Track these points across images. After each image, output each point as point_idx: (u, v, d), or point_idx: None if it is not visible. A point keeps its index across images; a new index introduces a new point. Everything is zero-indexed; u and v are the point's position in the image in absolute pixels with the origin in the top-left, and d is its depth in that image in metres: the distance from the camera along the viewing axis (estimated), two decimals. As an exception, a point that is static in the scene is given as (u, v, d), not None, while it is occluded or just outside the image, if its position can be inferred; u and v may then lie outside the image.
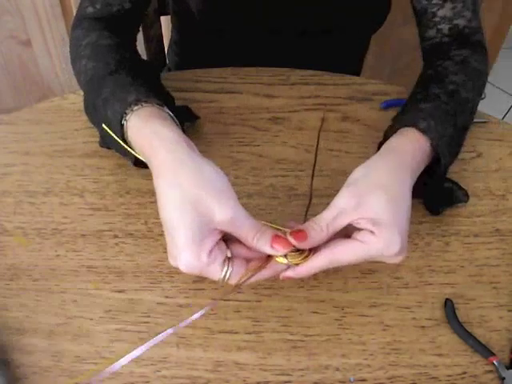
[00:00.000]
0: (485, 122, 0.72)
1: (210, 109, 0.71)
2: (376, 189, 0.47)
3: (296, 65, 0.77)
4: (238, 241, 0.47)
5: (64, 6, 1.39)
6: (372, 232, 0.46)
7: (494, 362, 0.50)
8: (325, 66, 0.77)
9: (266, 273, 0.47)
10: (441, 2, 0.66)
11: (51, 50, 1.49)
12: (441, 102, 0.57)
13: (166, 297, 0.54)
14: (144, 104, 0.53)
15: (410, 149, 0.52)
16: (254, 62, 0.76)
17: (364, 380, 0.49)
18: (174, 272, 0.55)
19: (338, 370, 0.50)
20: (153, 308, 0.53)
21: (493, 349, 0.51)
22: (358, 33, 0.84)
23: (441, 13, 0.67)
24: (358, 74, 0.96)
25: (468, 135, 0.62)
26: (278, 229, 0.48)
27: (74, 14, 0.68)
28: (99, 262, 0.56)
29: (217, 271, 0.45)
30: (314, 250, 0.47)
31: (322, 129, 0.69)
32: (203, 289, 0.54)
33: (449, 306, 0.53)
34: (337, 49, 0.84)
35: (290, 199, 0.62)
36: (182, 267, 0.44)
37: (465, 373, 0.50)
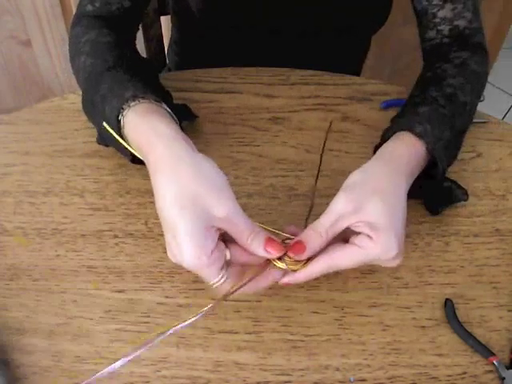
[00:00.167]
0: (485, 122, 0.72)
1: (209, 109, 0.71)
2: (373, 194, 0.47)
3: (296, 65, 0.77)
4: (236, 243, 0.47)
5: (64, 5, 1.39)
6: (369, 237, 0.46)
7: (494, 362, 0.50)
8: (325, 66, 0.77)
9: (261, 284, 0.47)
10: (441, 3, 0.66)
11: (51, 50, 1.49)
12: (438, 106, 0.57)
13: (166, 297, 0.54)
14: (141, 100, 0.52)
15: (405, 153, 0.52)
16: (254, 61, 0.76)
17: (364, 380, 0.49)
18: (174, 272, 0.55)
19: (338, 369, 0.50)
20: (153, 308, 0.53)
21: (493, 349, 0.51)
22: (358, 33, 0.84)
23: (441, 14, 0.67)
24: (358, 74, 0.96)
25: (468, 136, 0.62)
26: (275, 233, 0.48)
27: (74, 13, 0.68)
28: (99, 262, 0.56)
29: (214, 274, 0.45)
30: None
31: (321, 129, 0.69)
32: (203, 289, 0.54)
33: (449, 306, 0.53)
34: (337, 49, 0.84)
35: (290, 199, 0.62)
36: (185, 263, 0.44)
37: (465, 373, 0.50)
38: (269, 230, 0.48)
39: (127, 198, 0.61)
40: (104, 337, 0.51)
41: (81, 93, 0.60)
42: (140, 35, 0.93)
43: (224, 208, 0.44)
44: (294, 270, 0.47)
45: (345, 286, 0.55)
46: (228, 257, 0.46)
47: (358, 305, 0.54)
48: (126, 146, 0.52)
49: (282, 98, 0.73)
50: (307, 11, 0.75)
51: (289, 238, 0.49)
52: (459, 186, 0.61)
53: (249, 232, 0.45)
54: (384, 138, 0.56)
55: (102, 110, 0.54)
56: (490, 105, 0.91)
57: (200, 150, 0.49)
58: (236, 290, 0.46)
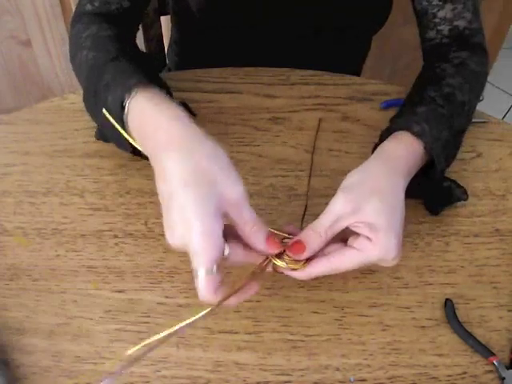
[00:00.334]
0: (485, 122, 0.72)
1: (209, 109, 0.71)
2: (372, 194, 0.47)
3: (296, 65, 0.77)
4: (235, 241, 0.46)
5: (64, 5, 1.39)
6: (369, 239, 0.46)
7: (494, 362, 0.50)
8: (325, 66, 0.77)
9: (242, 296, 0.46)
10: (441, 3, 0.66)
11: (51, 50, 1.49)
12: (436, 105, 0.57)
13: (166, 297, 0.54)
14: (148, 86, 0.51)
15: (403, 153, 0.52)
16: (254, 61, 0.76)
17: (364, 380, 0.49)
18: (174, 272, 0.55)
19: (338, 369, 0.49)
20: (153, 308, 0.53)
21: (493, 349, 0.51)
22: (358, 33, 0.84)
23: (441, 14, 0.67)
24: (358, 74, 0.96)
25: (468, 136, 0.62)
26: (274, 232, 0.48)
27: (73, 12, 0.68)
28: (99, 262, 0.56)
29: (213, 260, 0.42)
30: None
31: (321, 129, 0.69)
32: (203, 289, 0.54)
33: (449, 306, 0.53)
34: (337, 49, 0.84)
35: (290, 199, 0.62)
36: (193, 243, 0.42)
37: (465, 373, 0.50)
38: (271, 231, 0.48)
39: (127, 198, 0.61)
40: (104, 337, 0.51)
41: (81, 93, 0.60)
42: (140, 35, 0.93)
43: (236, 192, 0.44)
44: (294, 269, 0.47)
45: (345, 285, 0.55)
46: (226, 252, 0.45)
47: (358, 305, 0.54)
48: (125, 135, 0.51)
49: (282, 98, 0.73)
50: (307, 11, 0.75)
51: (288, 238, 0.49)
52: (458, 185, 0.61)
53: (252, 224, 0.45)
54: (382, 138, 0.56)
55: (104, 100, 0.53)
56: (490, 105, 0.91)
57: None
58: (236, 291, 0.45)
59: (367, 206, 0.46)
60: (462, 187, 0.60)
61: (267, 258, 0.47)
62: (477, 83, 0.64)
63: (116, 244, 0.57)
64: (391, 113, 0.61)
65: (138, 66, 0.56)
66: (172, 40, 0.95)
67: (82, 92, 0.59)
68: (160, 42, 1.00)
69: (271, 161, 0.66)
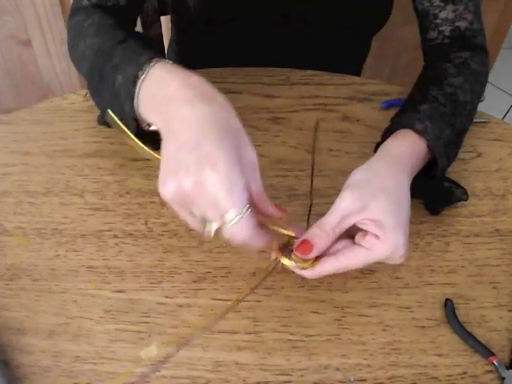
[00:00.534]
0: (485, 122, 0.72)
1: (210, 109, 0.71)
2: (378, 192, 0.47)
3: (296, 65, 0.77)
4: None
5: (64, 5, 1.39)
6: (377, 236, 0.46)
7: (494, 361, 0.50)
8: (325, 66, 0.77)
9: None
10: (442, 4, 0.66)
11: (51, 50, 1.49)
12: (439, 104, 0.57)
13: (166, 297, 0.54)
14: (161, 60, 0.50)
15: (407, 151, 0.52)
16: (254, 61, 0.76)
17: (364, 380, 0.49)
18: (174, 272, 0.55)
19: (338, 369, 0.49)
20: (153, 308, 0.53)
21: (493, 349, 0.51)
22: (358, 33, 0.84)
23: (442, 15, 0.67)
24: (358, 74, 0.96)
25: (468, 136, 0.62)
26: (278, 231, 0.48)
27: (70, 6, 0.67)
28: (99, 262, 0.56)
29: (243, 203, 0.42)
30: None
31: (321, 129, 0.69)
32: (203, 289, 0.54)
33: (449, 306, 0.53)
34: (337, 49, 0.84)
35: (291, 199, 0.62)
36: (226, 184, 0.41)
37: (465, 373, 0.50)
38: (275, 230, 0.48)
39: (127, 198, 0.61)
40: (104, 337, 0.51)
41: (81, 92, 0.60)
42: (140, 35, 0.93)
43: (254, 155, 0.44)
44: (303, 269, 0.47)
45: (345, 286, 0.55)
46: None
47: (358, 305, 0.54)
48: (126, 130, 0.50)
49: (282, 98, 0.73)
50: (307, 11, 0.75)
51: (294, 238, 0.49)
52: (458, 186, 0.61)
53: (262, 190, 0.45)
54: (385, 136, 0.56)
55: (112, 81, 0.52)
56: (490, 105, 0.91)
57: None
58: (251, 292, 0.45)
59: (374, 203, 0.46)
60: (462, 187, 0.60)
61: (276, 259, 0.47)
62: (478, 83, 0.64)
63: (116, 244, 0.57)
64: (391, 113, 0.61)
65: (148, 46, 0.54)
66: (172, 40, 0.95)
67: (82, 92, 0.59)
68: (160, 42, 1.00)
69: (271, 161, 0.66)
